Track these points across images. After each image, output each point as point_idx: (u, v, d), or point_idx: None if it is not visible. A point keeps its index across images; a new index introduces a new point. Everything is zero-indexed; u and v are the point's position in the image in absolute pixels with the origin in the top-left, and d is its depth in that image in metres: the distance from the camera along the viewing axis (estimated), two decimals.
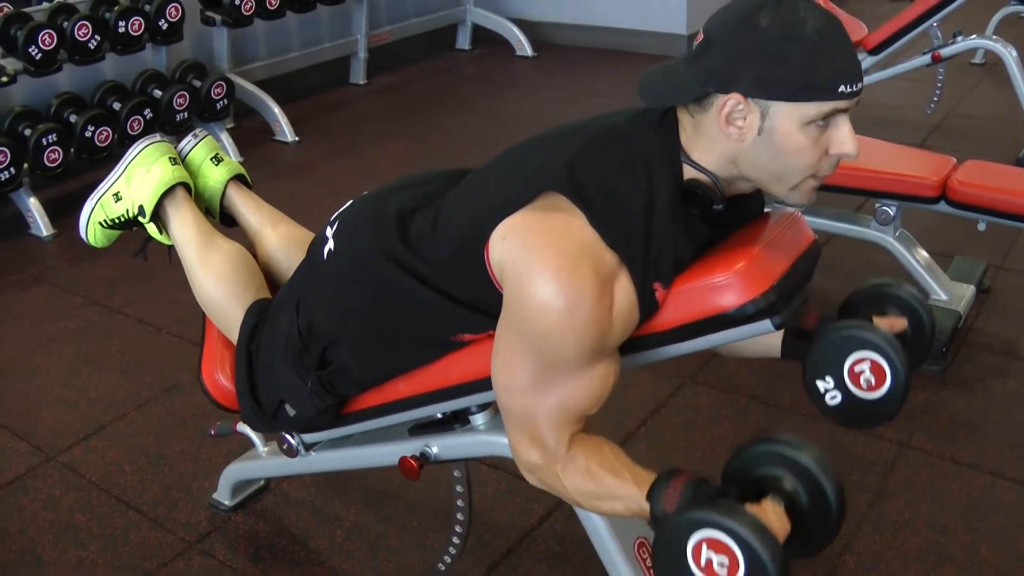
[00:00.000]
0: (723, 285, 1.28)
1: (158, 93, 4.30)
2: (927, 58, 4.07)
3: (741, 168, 1.28)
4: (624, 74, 5.49)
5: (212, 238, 1.96)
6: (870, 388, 1.43)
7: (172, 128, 4.33)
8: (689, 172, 1.30)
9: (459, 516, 1.93)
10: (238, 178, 2.09)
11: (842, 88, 1.19)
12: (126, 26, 4.14)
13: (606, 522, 1.63)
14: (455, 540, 1.96)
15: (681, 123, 1.32)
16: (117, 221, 2.00)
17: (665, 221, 1.28)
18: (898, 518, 2.20)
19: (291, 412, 1.77)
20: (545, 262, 1.24)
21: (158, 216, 1.98)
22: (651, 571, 1.68)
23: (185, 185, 2.00)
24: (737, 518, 1.14)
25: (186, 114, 4.34)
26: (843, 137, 1.23)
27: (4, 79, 3.78)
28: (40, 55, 3.86)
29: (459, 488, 1.90)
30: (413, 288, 1.47)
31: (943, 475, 2.34)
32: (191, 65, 4.50)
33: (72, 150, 3.94)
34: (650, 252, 1.27)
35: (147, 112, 4.18)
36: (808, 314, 1.54)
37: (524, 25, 6.04)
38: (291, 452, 2.02)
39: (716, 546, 1.16)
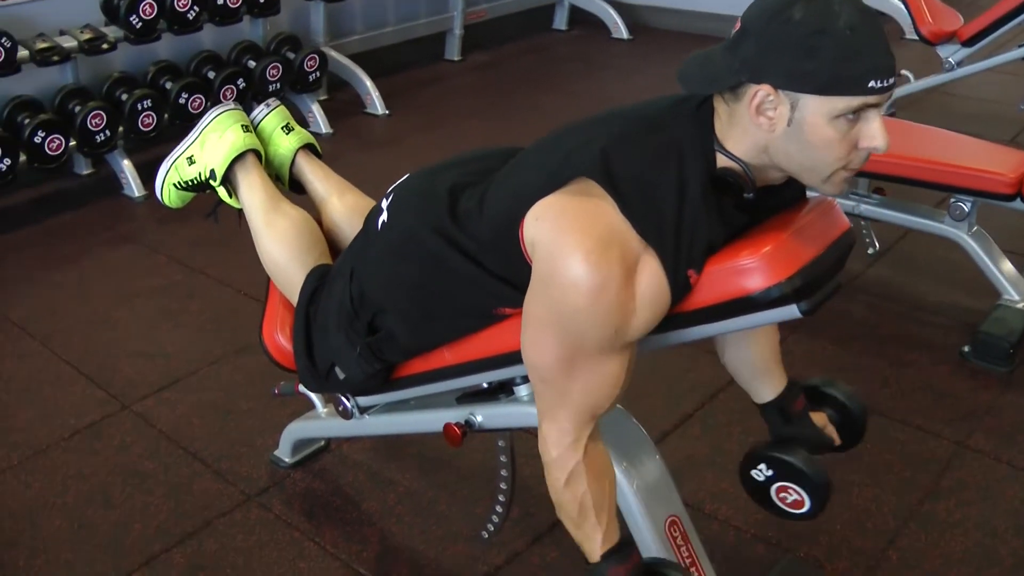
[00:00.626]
0: (749, 268, 1.29)
1: (252, 64, 4.42)
2: (1023, 51, 3.92)
3: (773, 158, 1.28)
4: None
5: (278, 203, 2.03)
6: (791, 505, 1.67)
7: (264, 98, 4.40)
8: (722, 160, 1.31)
9: (502, 486, 1.97)
10: (308, 147, 2.16)
11: (872, 83, 1.18)
12: None
13: (639, 499, 1.66)
14: (498, 509, 2.00)
15: (717, 111, 1.32)
16: (190, 183, 2.09)
17: (696, 209, 1.29)
18: (948, 518, 2.16)
19: (341, 375, 1.83)
20: (576, 244, 1.27)
21: (228, 180, 2.05)
22: (680, 549, 1.70)
23: (256, 152, 2.07)
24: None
25: (278, 85, 4.45)
26: (873, 131, 1.23)
27: (105, 46, 3.94)
28: (140, 24, 4.01)
29: (503, 458, 1.94)
30: (457, 262, 1.51)
31: (999, 478, 2.28)
32: (286, 37, 4.60)
33: (166, 116, 4.08)
34: (681, 240, 1.29)
35: (240, 82, 4.29)
36: (795, 401, 1.73)
37: (621, 8, 6.03)
38: (346, 414, 2.08)
39: None
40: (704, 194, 1.30)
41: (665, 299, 1.30)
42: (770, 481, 1.66)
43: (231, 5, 4.31)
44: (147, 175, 3.98)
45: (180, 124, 4.12)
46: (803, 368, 2.68)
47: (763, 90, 1.22)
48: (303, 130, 2.17)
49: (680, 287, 1.30)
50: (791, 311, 1.33)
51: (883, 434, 2.41)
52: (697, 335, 1.42)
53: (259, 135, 2.12)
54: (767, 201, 1.39)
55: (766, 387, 1.73)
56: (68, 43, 3.90)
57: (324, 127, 4.65)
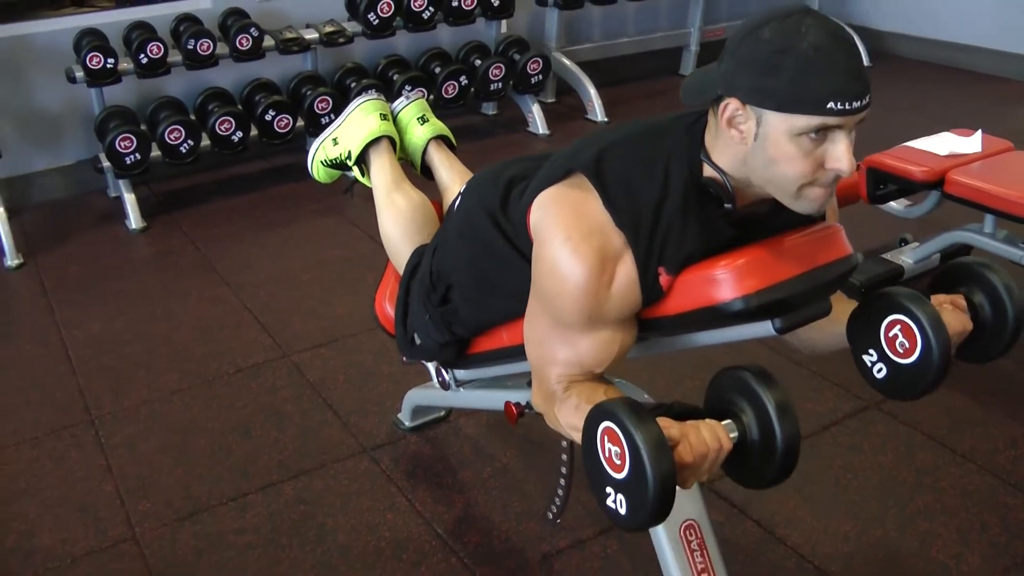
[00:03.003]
0: (718, 279, 1.32)
1: (478, 63, 4.70)
2: None
3: (748, 172, 1.32)
4: (954, 90, 5.20)
5: (401, 184, 2.23)
6: (906, 353, 1.38)
7: (486, 96, 4.72)
8: (709, 171, 1.36)
9: (563, 470, 2.07)
10: (441, 138, 2.34)
11: (831, 105, 1.19)
12: (460, 0, 4.57)
13: None
14: (559, 491, 2.10)
15: (708, 124, 1.37)
16: (333, 161, 2.34)
17: (674, 212, 1.35)
18: None
19: (418, 341, 2.01)
20: (559, 232, 1.37)
21: (363, 161, 2.28)
22: (693, 554, 1.74)
23: (390, 138, 2.28)
24: (636, 420, 1.18)
25: (500, 85, 4.71)
26: (838, 154, 1.23)
27: (342, 40, 4.36)
28: (378, 21, 4.40)
29: (564, 443, 2.04)
30: (500, 245, 1.64)
31: None
32: (515, 40, 4.86)
33: None
34: (655, 239, 1.35)
35: (463, 79, 4.59)
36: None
37: (864, 33, 5.84)
38: (444, 385, 2.26)
39: (612, 437, 1.22)
40: (685, 200, 1.36)
41: (635, 293, 1.37)
42: (877, 319, 1.42)
43: (465, 7, 4.61)
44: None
45: None
46: (930, 415, 2.58)
47: (732, 104, 1.27)
48: (438, 122, 2.36)
49: (650, 284, 1.36)
50: (764, 327, 1.36)
51: (991, 494, 2.29)
52: (686, 343, 1.47)
53: (397, 124, 2.33)
54: (774, 219, 1.41)
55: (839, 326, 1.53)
56: (310, 35, 4.34)
57: (542, 128, 4.86)
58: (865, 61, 5.54)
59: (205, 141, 4.06)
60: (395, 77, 4.49)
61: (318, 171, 2.39)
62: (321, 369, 2.93)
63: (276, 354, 3.02)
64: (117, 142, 3.80)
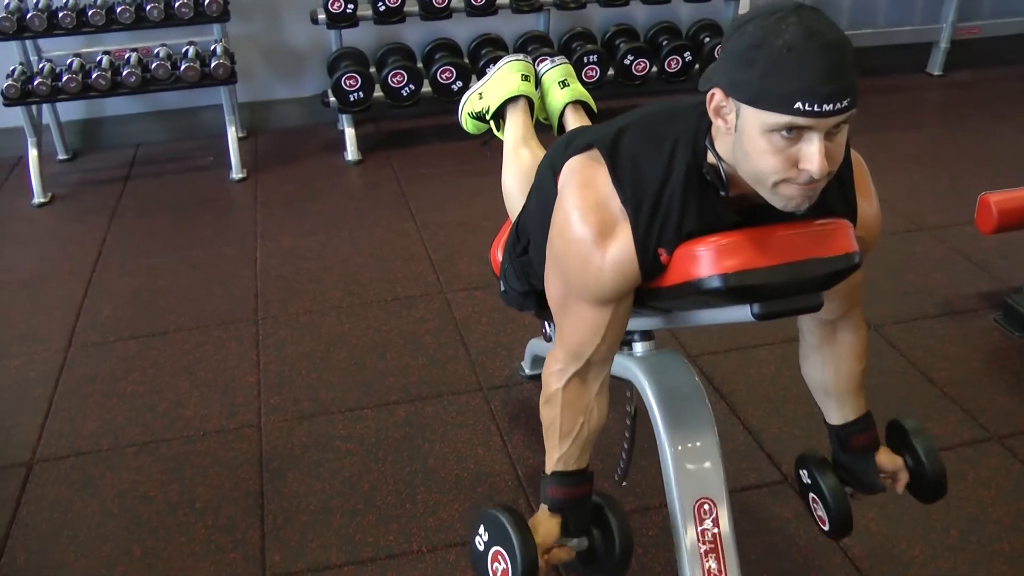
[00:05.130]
0: (700, 255, 1.34)
1: (707, 40, 4.68)
2: None
3: (735, 161, 1.32)
4: None
5: (528, 141, 2.34)
6: (820, 520, 1.77)
7: (698, 73, 4.70)
8: (712, 158, 1.38)
9: (626, 433, 2.13)
10: (580, 103, 2.43)
11: (799, 105, 1.17)
12: None
13: (674, 468, 1.75)
14: (623, 455, 2.17)
15: None
16: (477, 114, 2.48)
17: (675, 194, 1.37)
18: None
19: (502, 288, 2.13)
20: (570, 199, 1.45)
21: (501, 117, 2.41)
22: (704, 533, 1.77)
23: (528, 99, 2.40)
24: (514, 536, 1.51)
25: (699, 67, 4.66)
26: (808, 154, 1.21)
27: (573, 5, 4.48)
28: None
29: (628, 408, 2.10)
30: (553, 200, 1.73)
31: None
32: (706, 24, 4.78)
33: (610, 72, 4.53)
34: (655, 218, 1.38)
35: (687, 55, 4.59)
36: (857, 437, 1.74)
37: None
38: (546, 338, 2.38)
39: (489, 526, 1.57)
40: (686, 183, 1.38)
41: (632, 268, 1.42)
42: (807, 488, 1.80)
43: None
44: None
45: (622, 82, 4.55)
46: (957, 423, 2.40)
47: (718, 94, 1.28)
48: (579, 87, 2.44)
49: (649, 261, 1.40)
50: (743, 312, 1.38)
51: None
52: (693, 320, 1.50)
53: (541, 85, 2.44)
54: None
55: (833, 411, 1.73)
56: None
57: None
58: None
59: (427, 87, 4.33)
60: (621, 46, 4.56)
61: (466, 122, 2.54)
62: (469, 309, 3.11)
63: (434, 289, 3.24)
64: (343, 80, 4.15)
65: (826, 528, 1.76)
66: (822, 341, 1.70)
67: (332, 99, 4.25)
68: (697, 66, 4.64)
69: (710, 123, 1.39)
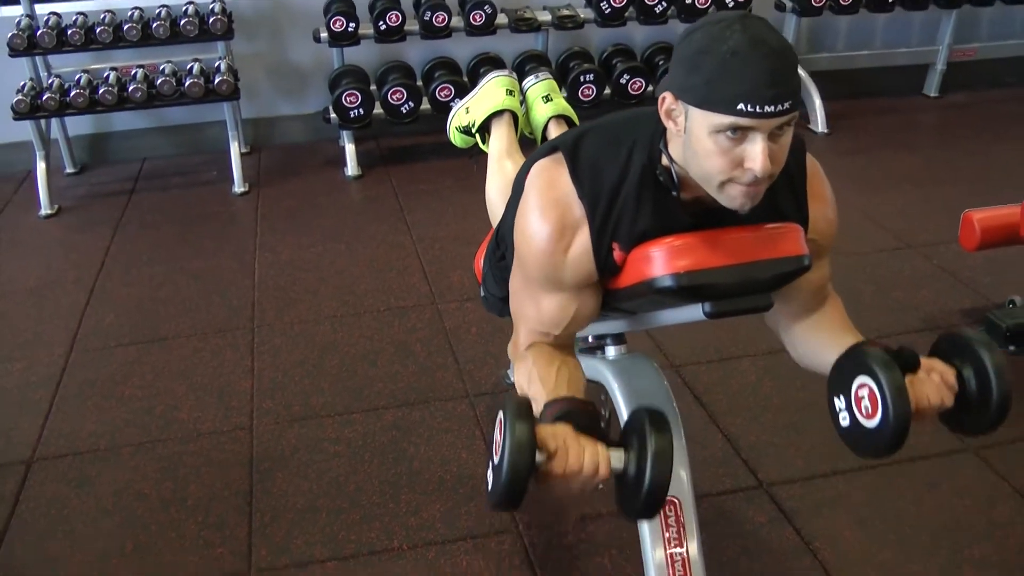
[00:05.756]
0: (652, 256, 1.42)
1: None
2: None
3: (685, 162, 1.40)
4: None
5: (511, 153, 2.42)
6: (868, 415, 1.43)
7: None
8: (665, 160, 1.45)
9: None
10: (562, 117, 2.52)
11: (741, 107, 1.24)
12: None
13: None
14: None
15: None
16: (464, 128, 2.57)
17: (630, 194, 1.45)
18: None
19: (482, 294, 2.21)
20: (532, 199, 1.53)
21: (486, 130, 2.50)
22: (669, 529, 1.83)
23: (513, 113, 2.48)
24: (514, 423, 1.27)
25: None
26: (752, 154, 1.28)
27: (571, 25, 4.58)
28: (610, 10, 4.57)
29: (602, 411, 2.17)
30: None
31: None
32: None
33: (606, 91, 4.61)
34: (611, 214, 1.46)
35: None
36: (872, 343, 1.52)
37: None
38: None
39: (500, 427, 1.32)
40: (641, 184, 1.46)
41: (589, 262, 1.49)
42: (846, 379, 1.47)
43: (699, 5, 4.69)
44: None
45: (617, 101, 4.64)
46: None
47: (666, 96, 1.36)
48: (562, 102, 2.53)
49: (603, 256, 1.48)
50: (696, 311, 1.45)
51: None
52: (654, 321, 1.56)
53: (525, 100, 2.53)
54: (736, 212, 1.47)
55: (837, 352, 1.54)
56: (543, 17, 4.60)
57: None
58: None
59: (426, 105, 4.42)
60: (618, 65, 4.65)
61: (454, 135, 2.63)
62: (459, 319, 3.19)
63: (427, 300, 3.32)
64: (344, 96, 4.25)
65: (877, 418, 1.40)
66: (802, 322, 1.69)
67: (333, 116, 4.35)
68: None
69: (665, 128, 1.46)
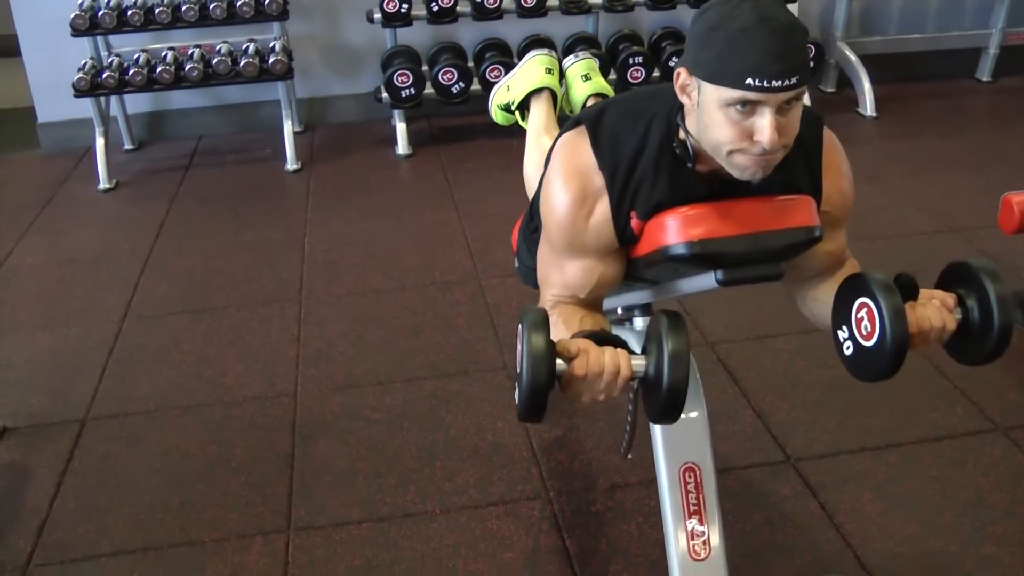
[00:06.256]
0: (668, 225, 1.47)
1: None
2: None
3: (698, 134, 1.45)
4: None
5: (549, 129, 2.48)
6: (868, 336, 1.47)
7: None
8: (682, 133, 1.50)
9: (629, 407, 2.25)
10: (600, 95, 2.56)
11: (749, 81, 1.29)
12: None
13: (662, 434, 1.87)
14: (627, 429, 2.29)
15: None
16: (505, 106, 2.63)
17: (648, 165, 1.50)
18: None
19: (516, 264, 2.27)
20: (556, 169, 1.59)
21: (525, 107, 2.56)
22: (688, 496, 1.88)
23: (552, 91, 2.53)
24: (531, 331, 1.32)
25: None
26: (760, 127, 1.33)
27: (620, 7, 4.61)
28: None
29: (632, 383, 2.22)
30: None
31: None
32: None
33: (655, 73, 4.63)
34: (629, 184, 1.51)
35: None
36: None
37: None
38: None
39: (519, 339, 1.35)
40: (659, 155, 1.51)
41: (609, 229, 1.54)
42: (847, 302, 1.51)
43: None
44: None
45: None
46: None
47: (683, 73, 1.41)
48: (601, 80, 2.57)
49: (622, 224, 1.53)
50: (708, 279, 1.50)
51: None
52: (672, 291, 1.61)
53: (565, 78, 2.58)
54: (752, 184, 1.51)
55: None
56: (595, 0, 4.63)
57: None
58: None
59: (476, 85, 4.49)
60: (667, 48, 4.67)
61: (496, 113, 2.69)
62: (502, 294, 3.26)
63: (471, 276, 3.39)
64: (395, 76, 4.33)
65: (874, 339, 1.45)
66: (817, 284, 1.72)
67: (385, 95, 4.43)
68: None
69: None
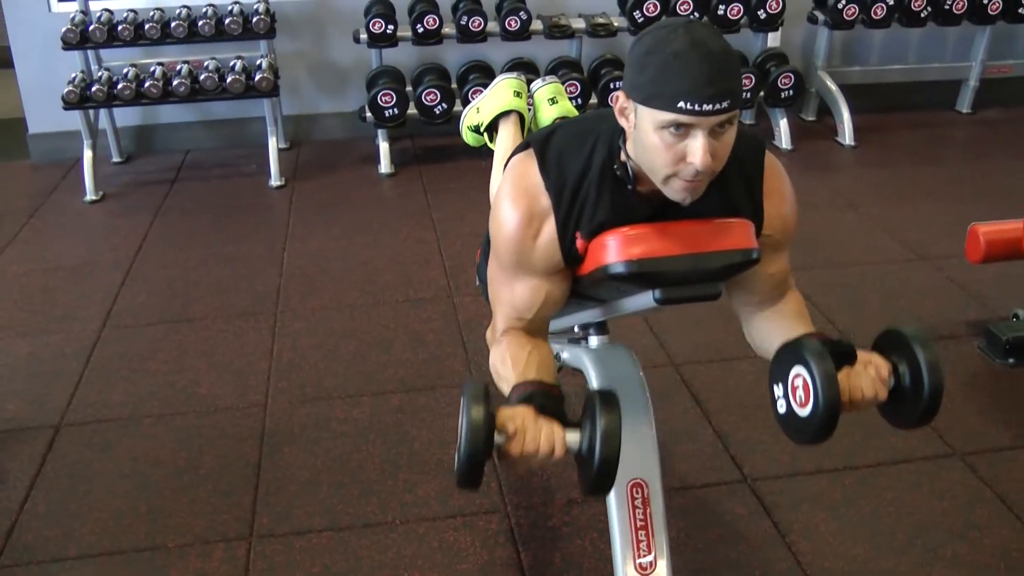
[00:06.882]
0: (607, 244, 1.53)
1: None
2: None
3: (637, 157, 1.51)
4: None
5: None
6: (802, 404, 1.51)
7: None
8: (624, 155, 1.56)
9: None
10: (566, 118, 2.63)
11: (681, 104, 1.35)
12: (726, 9, 4.75)
13: None
14: None
15: None
16: (475, 127, 2.70)
17: (591, 186, 1.56)
18: None
19: (478, 281, 2.34)
20: (503, 191, 1.65)
21: (493, 129, 2.62)
22: (636, 511, 1.94)
23: (519, 114, 2.60)
24: (471, 406, 1.38)
25: (747, 95, 4.82)
26: (693, 149, 1.39)
27: (603, 33, 4.69)
28: (643, 19, 4.68)
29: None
30: None
31: None
32: (775, 54, 4.94)
33: None
34: (574, 205, 1.57)
35: None
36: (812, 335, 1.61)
37: None
38: None
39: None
40: (601, 177, 1.57)
41: (555, 249, 1.60)
42: (783, 370, 1.55)
43: (731, 16, 4.77)
44: None
45: None
46: (1010, 480, 2.51)
47: (621, 96, 1.48)
48: (567, 104, 2.64)
49: (568, 245, 1.59)
50: (647, 298, 1.56)
51: None
52: (619, 309, 1.67)
53: (533, 101, 2.65)
54: (694, 205, 1.57)
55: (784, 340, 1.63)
56: (578, 24, 4.72)
57: (785, 143, 4.92)
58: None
59: (459, 106, 4.56)
60: None
61: (466, 134, 2.75)
62: (473, 312, 3.32)
63: (444, 293, 3.45)
64: (379, 96, 4.41)
65: (808, 408, 1.49)
66: (762, 310, 1.77)
67: (369, 114, 4.51)
68: None
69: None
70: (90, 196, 4.30)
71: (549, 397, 1.51)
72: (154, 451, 2.62)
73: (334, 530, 2.33)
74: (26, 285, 3.57)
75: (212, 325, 3.24)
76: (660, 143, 1.42)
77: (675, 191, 1.46)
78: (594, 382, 1.99)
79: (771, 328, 1.73)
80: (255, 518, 2.37)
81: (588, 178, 1.58)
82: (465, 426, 1.38)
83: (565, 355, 2.22)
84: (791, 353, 1.54)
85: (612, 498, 1.91)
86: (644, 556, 1.90)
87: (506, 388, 1.64)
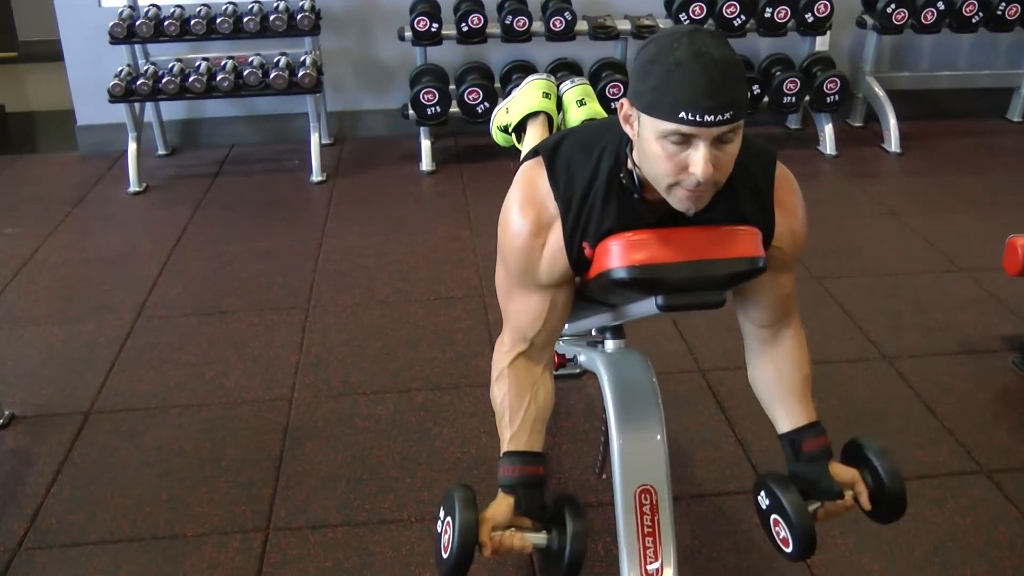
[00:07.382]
0: (611, 249, 1.52)
1: (777, 73, 4.80)
2: None
3: (641, 165, 1.50)
4: None
5: None
6: (784, 543, 1.71)
7: (778, 107, 4.82)
8: (630, 163, 1.55)
9: (603, 428, 2.30)
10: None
11: (682, 115, 1.33)
12: (773, 12, 4.70)
13: (620, 456, 1.91)
14: (601, 449, 2.34)
15: None
16: (503, 127, 2.71)
17: (598, 195, 1.55)
18: None
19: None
20: (512, 198, 1.65)
21: (521, 130, 2.63)
22: (643, 517, 1.93)
23: (548, 115, 2.60)
24: (457, 504, 1.62)
25: (793, 99, 4.77)
26: (694, 160, 1.37)
27: (647, 34, 4.66)
28: (688, 21, 4.65)
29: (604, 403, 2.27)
30: None
31: None
32: (822, 58, 4.88)
33: None
34: (582, 214, 1.56)
35: (755, 88, 4.71)
36: (809, 441, 1.77)
37: None
38: None
39: (445, 527, 1.65)
40: (608, 185, 1.56)
41: (562, 259, 1.60)
42: (768, 511, 1.73)
43: (779, 19, 4.72)
44: None
45: None
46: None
47: (625, 103, 1.47)
48: (596, 106, 2.63)
49: (575, 254, 1.59)
50: (650, 304, 1.55)
51: None
52: (626, 315, 1.67)
53: (561, 102, 2.65)
54: (702, 214, 1.56)
55: (782, 418, 1.81)
56: (623, 25, 4.70)
57: (830, 149, 4.85)
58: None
59: None
60: None
61: (496, 134, 2.76)
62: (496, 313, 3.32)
63: (475, 292, 3.46)
64: (422, 94, 4.44)
65: (789, 550, 1.69)
66: (763, 345, 1.81)
67: (411, 112, 4.54)
68: (766, 99, 4.76)
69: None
70: (133, 188, 4.39)
71: (531, 487, 1.70)
72: (179, 441, 2.66)
73: (349, 525, 2.35)
74: (65, 275, 3.65)
75: (244, 318, 3.28)
76: (662, 152, 1.41)
77: (678, 200, 1.45)
78: (606, 386, 1.98)
79: (769, 384, 1.82)
80: (273, 511, 2.40)
81: (595, 187, 1.58)
82: (454, 550, 1.58)
83: (582, 358, 2.21)
84: (773, 501, 1.70)
85: (619, 504, 1.90)
86: (651, 563, 1.89)
87: (499, 430, 1.79)
